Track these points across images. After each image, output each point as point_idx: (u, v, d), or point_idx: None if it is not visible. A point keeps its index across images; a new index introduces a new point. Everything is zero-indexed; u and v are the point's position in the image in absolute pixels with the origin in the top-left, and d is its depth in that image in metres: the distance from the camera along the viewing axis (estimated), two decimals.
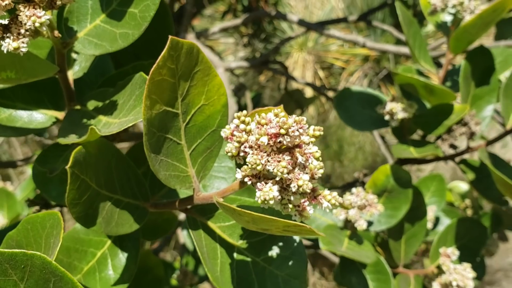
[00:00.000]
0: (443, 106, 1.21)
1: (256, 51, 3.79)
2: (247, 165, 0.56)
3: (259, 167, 0.54)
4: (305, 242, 1.31)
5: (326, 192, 0.58)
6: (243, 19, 2.21)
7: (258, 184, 0.56)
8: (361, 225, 1.12)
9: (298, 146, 0.56)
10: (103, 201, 0.70)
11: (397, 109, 1.21)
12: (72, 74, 0.81)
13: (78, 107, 0.79)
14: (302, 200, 0.57)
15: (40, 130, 0.83)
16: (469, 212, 1.93)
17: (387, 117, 1.24)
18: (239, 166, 0.59)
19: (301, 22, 1.99)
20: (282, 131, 0.54)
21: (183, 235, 2.20)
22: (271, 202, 0.54)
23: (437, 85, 1.16)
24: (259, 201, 0.55)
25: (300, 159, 0.55)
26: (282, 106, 0.60)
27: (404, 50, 1.83)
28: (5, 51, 0.60)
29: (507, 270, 4.23)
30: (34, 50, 0.78)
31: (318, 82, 5.64)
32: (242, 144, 0.57)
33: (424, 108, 1.30)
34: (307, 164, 0.55)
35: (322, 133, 0.57)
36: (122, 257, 0.81)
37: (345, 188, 1.55)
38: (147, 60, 0.84)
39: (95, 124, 0.70)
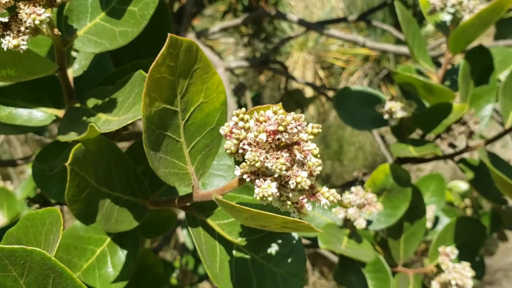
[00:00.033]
0: (442, 105, 1.21)
1: (256, 51, 3.79)
2: (246, 162, 0.56)
3: (257, 164, 0.55)
4: (304, 241, 1.31)
5: (325, 189, 0.58)
6: (243, 18, 2.21)
7: (257, 181, 0.56)
8: (360, 224, 1.12)
9: (297, 143, 0.56)
10: (103, 198, 0.70)
11: (396, 108, 1.21)
12: (72, 72, 0.81)
13: (77, 105, 0.79)
14: (301, 197, 0.57)
15: (40, 128, 0.84)
16: (468, 211, 1.93)
17: (386, 116, 1.24)
18: (238, 163, 0.59)
19: (301, 22, 1.99)
20: (281, 128, 0.54)
21: (183, 235, 2.21)
22: (270, 198, 0.55)
23: (436, 84, 1.16)
24: (258, 198, 0.55)
25: (299, 156, 0.55)
26: (281, 103, 0.61)
27: (404, 49, 1.83)
28: (5, 49, 0.61)
29: (507, 270, 4.23)
30: (34, 48, 0.79)
31: (319, 82, 5.65)
32: (241, 141, 0.57)
33: (423, 107, 1.30)
34: (306, 161, 0.56)
35: (320, 130, 0.57)
36: (122, 254, 0.81)
37: (344, 187, 1.55)
38: (146, 59, 0.84)
39: (95, 122, 0.71)
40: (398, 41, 2.49)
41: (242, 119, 0.58)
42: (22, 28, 0.62)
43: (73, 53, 0.82)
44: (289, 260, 0.72)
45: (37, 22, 0.61)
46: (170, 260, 2.89)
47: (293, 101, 2.64)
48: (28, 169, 2.43)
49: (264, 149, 0.56)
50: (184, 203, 0.73)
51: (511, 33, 1.83)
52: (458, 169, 1.32)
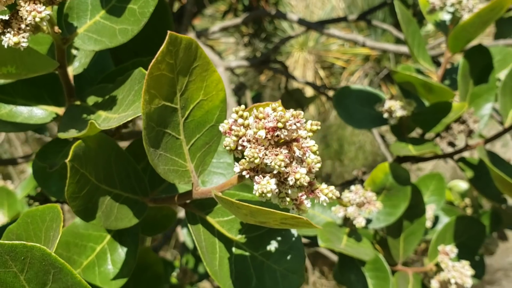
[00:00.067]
0: (442, 104, 1.21)
1: (256, 50, 3.79)
2: (245, 158, 0.56)
3: (256, 161, 0.55)
4: (304, 241, 1.32)
5: (323, 186, 0.58)
6: (243, 18, 2.22)
7: (256, 177, 0.56)
8: (359, 222, 1.12)
9: (296, 140, 0.56)
10: (103, 195, 0.70)
11: (395, 107, 1.22)
12: (72, 70, 0.81)
13: (78, 102, 0.79)
14: (300, 194, 0.58)
15: (40, 125, 0.84)
16: (468, 211, 1.93)
17: (386, 115, 1.24)
18: (237, 160, 0.59)
19: (301, 22, 2.00)
20: (280, 124, 0.54)
21: (183, 234, 2.21)
22: (269, 195, 0.55)
23: (436, 83, 1.17)
24: (257, 194, 0.55)
25: (298, 153, 0.56)
26: (280, 101, 0.61)
27: (404, 49, 1.84)
28: (5, 46, 0.61)
29: (507, 270, 4.24)
30: (35, 46, 0.79)
31: (319, 81, 5.65)
32: (240, 138, 0.58)
33: (422, 106, 1.31)
34: (305, 158, 0.56)
35: (319, 127, 0.58)
36: (122, 251, 0.81)
37: (344, 186, 1.55)
38: (146, 57, 0.85)
39: (95, 119, 0.71)
40: (398, 41, 2.49)
41: (241, 116, 0.58)
42: (23, 26, 0.62)
43: (73, 51, 0.83)
44: (288, 257, 0.72)
45: (37, 19, 0.61)
46: (170, 259, 2.89)
47: (294, 100, 2.64)
48: (29, 169, 2.43)
49: (263, 145, 0.56)
50: (183, 200, 0.73)
51: (511, 32, 1.83)
52: (458, 168, 1.32)
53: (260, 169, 0.58)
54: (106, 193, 0.71)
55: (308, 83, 2.43)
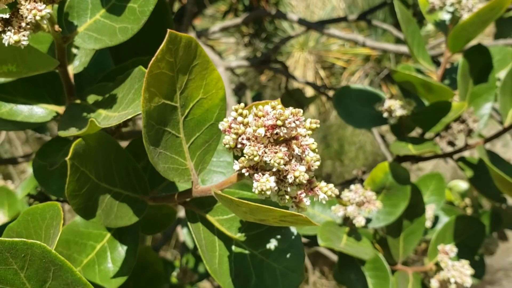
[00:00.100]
0: (441, 103, 1.21)
1: (257, 50, 3.80)
2: (245, 156, 0.56)
3: (256, 158, 0.55)
4: (304, 240, 1.32)
5: (323, 184, 0.59)
6: (243, 18, 2.22)
7: (255, 175, 0.57)
8: (359, 221, 1.12)
9: (295, 138, 0.57)
10: (103, 194, 0.71)
11: (395, 107, 1.22)
12: (72, 69, 0.82)
13: (78, 101, 0.80)
14: (299, 192, 0.58)
15: (40, 124, 0.84)
16: (469, 211, 1.93)
17: (385, 115, 1.24)
18: (236, 158, 0.59)
19: (301, 21, 2.00)
20: (279, 122, 0.55)
21: (183, 233, 2.21)
22: (268, 192, 0.55)
23: (435, 82, 1.17)
24: (256, 192, 0.55)
25: (297, 150, 0.56)
26: (279, 99, 0.61)
27: (404, 49, 1.84)
28: (6, 44, 0.61)
29: (507, 270, 4.24)
30: (35, 44, 0.79)
31: (319, 81, 5.65)
32: (240, 136, 0.58)
33: (422, 105, 1.31)
34: (304, 155, 0.56)
35: (318, 125, 0.58)
36: (121, 250, 0.82)
37: (344, 185, 1.55)
38: (146, 57, 0.85)
39: (95, 118, 0.71)
40: (398, 41, 2.49)
41: (240, 114, 0.58)
42: (23, 24, 0.62)
43: (74, 50, 0.83)
44: (288, 256, 0.72)
45: (38, 17, 0.61)
46: (170, 259, 2.90)
47: (294, 100, 2.64)
48: (29, 169, 2.43)
49: (262, 143, 0.56)
50: (183, 198, 0.74)
51: (511, 32, 1.83)
52: (459, 168, 1.32)
53: (260, 167, 0.58)
54: (106, 191, 0.72)
55: (308, 83, 2.44)
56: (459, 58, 1.25)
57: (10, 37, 0.61)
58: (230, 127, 0.59)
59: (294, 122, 0.55)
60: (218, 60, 2.05)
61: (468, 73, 1.23)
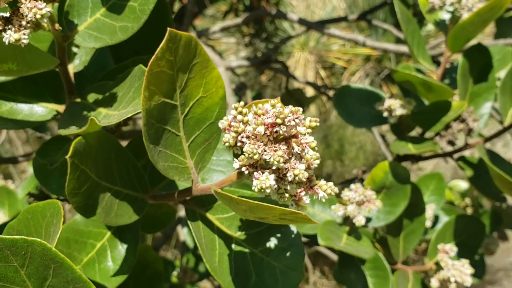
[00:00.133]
0: (441, 103, 1.21)
1: (257, 50, 3.80)
2: (244, 154, 0.57)
3: (256, 156, 0.55)
4: (304, 240, 1.32)
5: (322, 182, 0.59)
6: (244, 18, 2.22)
7: (255, 173, 0.57)
8: (359, 221, 1.12)
9: (295, 136, 0.57)
10: (103, 192, 0.71)
11: (395, 106, 1.22)
12: (73, 68, 0.82)
13: (78, 100, 0.80)
14: (299, 190, 0.58)
15: (40, 123, 0.84)
16: (469, 210, 1.93)
17: (385, 114, 1.24)
18: (236, 156, 0.59)
19: (302, 21, 2.00)
20: (279, 120, 0.55)
21: (183, 233, 2.21)
22: (268, 190, 0.55)
23: (435, 81, 1.17)
24: (256, 190, 0.55)
25: (296, 149, 0.56)
26: (279, 98, 0.61)
27: (404, 48, 1.84)
28: (6, 43, 0.62)
29: (508, 270, 4.24)
30: (35, 43, 0.79)
31: (320, 81, 5.65)
32: (239, 134, 0.58)
33: (422, 105, 1.31)
34: (303, 154, 0.56)
35: (318, 124, 0.58)
36: (122, 248, 0.82)
37: (344, 185, 1.55)
38: (146, 56, 0.85)
39: (95, 116, 0.71)
40: (399, 41, 2.49)
41: (240, 113, 0.58)
42: (24, 23, 0.62)
43: (74, 49, 0.83)
44: (287, 254, 0.72)
45: (38, 16, 0.61)
46: (171, 259, 2.90)
47: (294, 100, 2.64)
48: (29, 168, 2.44)
49: (262, 142, 0.56)
50: (183, 197, 0.74)
51: (511, 32, 1.83)
52: (459, 168, 1.33)
53: (259, 165, 0.58)
54: (106, 190, 0.72)
55: (308, 83, 2.44)
56: (459, 58, 1.25)
57: (10, 36, 0.62)
58: (230, 126, 0.59)
59: (293, 120, 0.55)
60: (219, 60, 2.05)
61: (468, 72, 1.23)
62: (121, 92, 0.73)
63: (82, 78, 0.88)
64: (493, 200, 1.35)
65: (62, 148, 0.82)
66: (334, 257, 2.15)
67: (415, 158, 1.37)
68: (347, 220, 1.17)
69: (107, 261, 0.81)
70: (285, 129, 0.55)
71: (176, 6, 2.23)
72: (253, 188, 0.56)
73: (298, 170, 0.55)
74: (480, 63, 1.25)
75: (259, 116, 0.56)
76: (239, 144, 0.58)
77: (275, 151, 0.55)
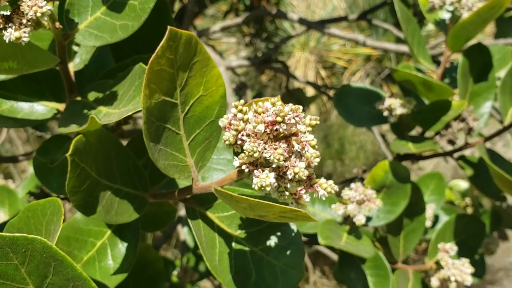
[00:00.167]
0: (441, 102, 1.21)
1: (258, 50, 3.80)
2: (245, 153, 0.57)
3: (256, 154, 0.55)
4: (304, 239, 1.32)
5: (322, 180, 0.59)
6: (244, 17, 2.22)
7: (255, 171, 0.57)
8: (359, 220, 1.13)
9: (295, 134, 0.57)
10: (103, 190, 0.71)
11: (395, 105, 1.22)
12: (73, 66, 0.82)
13: (78, 98, 0.80)
14: (299, 188, 0.58)
15: (41, 121, 0.85)
16: (469, 210, 1.93)
17: (385, 113, 1.24)
18: (236, 154, 0.60)
19: (302, 21, 2.00)
20: (279, 118, 0.55)
21: (183, 232, 2.21)
22: (268, 188, 0.55)
23: (435, 81, 1.17)
24: (256, 188, 0.56)
25: (297, 147, 0.56)
26: (279, 96, 0.61)
27: (404, 48, 1.84)
28: (7, 41, 0.62)
29: (508, 270, 4.24)
30: (36, 42, 0.79)
31: (320, 81, 5.65)
32: (240, 132, 0.58)
33: (422, 104, 1.31)
34: (304, 152, 0.57)
35: (318, 122, 0.58)
36: (122, 247, 0.82)
37: (344, 184, 1.55)
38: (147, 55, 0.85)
39: (96, 114, 0.71)
40: (399, 41, 2.50)
41: (240, 111, 0.59)
42: (24, 21, 0.62)
43: (74, 47, 0.83)
44: (288, 253, 0.72)
45: (38, 14, 0.62)
46: (171, 258, 2.90)
47: (294, 100, 2.64)
48: (30, 168, 2.44)
49: (262, 140, 0.57)
50: (184, 195, 0.74)
51: (511, 32, 1.83)
52: (459, 168, 1.33)
53: (259, 163, 0.58)
54: (106, 188, 0.72)
55: (309, 83, 2.44)
56: (459, 57, 1.25)
57: (11, 34, 0.62)
58: (230, 124, 0.59)
59: (293, 118, 0.55)
60: (219, 60, 2.06)
61: (468, 72, 1.23)
62: (121, 90, 0.73)
63: (82, 76, 0.88)
64: (493, 200, 1.35)
65: (63, 146, 0.82)
66: (335, 256, 2.15)
67: (415, 158, 1.37)
68: (347, 219, 1.18)
69: (108, 259, 0.81)
70: (285, 127, 0.55)
71: (177, 6, 2.23)
72: (253, 186, 0.56)
73: (298, 168, 0.55)
74: (480, 63, 1.25)
75: (259, 114, 0.56)
76: (239, 142, 0.58)
77: (275, 149, 0.55)
